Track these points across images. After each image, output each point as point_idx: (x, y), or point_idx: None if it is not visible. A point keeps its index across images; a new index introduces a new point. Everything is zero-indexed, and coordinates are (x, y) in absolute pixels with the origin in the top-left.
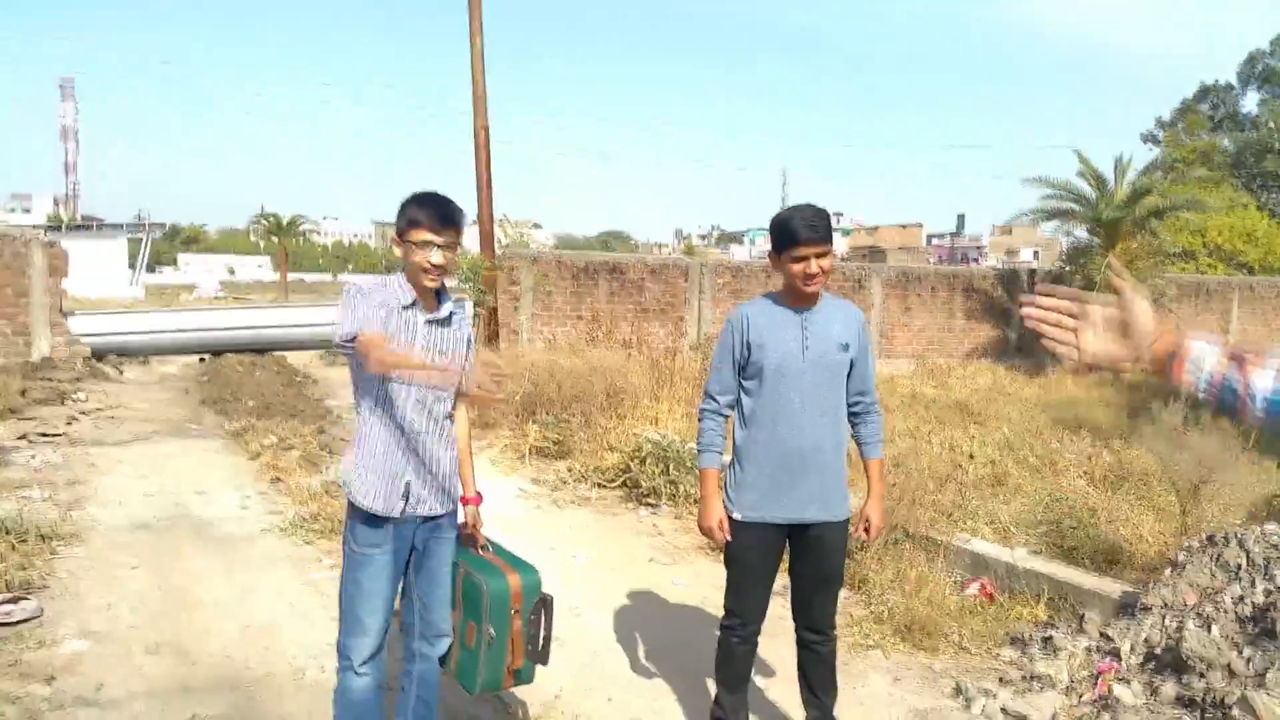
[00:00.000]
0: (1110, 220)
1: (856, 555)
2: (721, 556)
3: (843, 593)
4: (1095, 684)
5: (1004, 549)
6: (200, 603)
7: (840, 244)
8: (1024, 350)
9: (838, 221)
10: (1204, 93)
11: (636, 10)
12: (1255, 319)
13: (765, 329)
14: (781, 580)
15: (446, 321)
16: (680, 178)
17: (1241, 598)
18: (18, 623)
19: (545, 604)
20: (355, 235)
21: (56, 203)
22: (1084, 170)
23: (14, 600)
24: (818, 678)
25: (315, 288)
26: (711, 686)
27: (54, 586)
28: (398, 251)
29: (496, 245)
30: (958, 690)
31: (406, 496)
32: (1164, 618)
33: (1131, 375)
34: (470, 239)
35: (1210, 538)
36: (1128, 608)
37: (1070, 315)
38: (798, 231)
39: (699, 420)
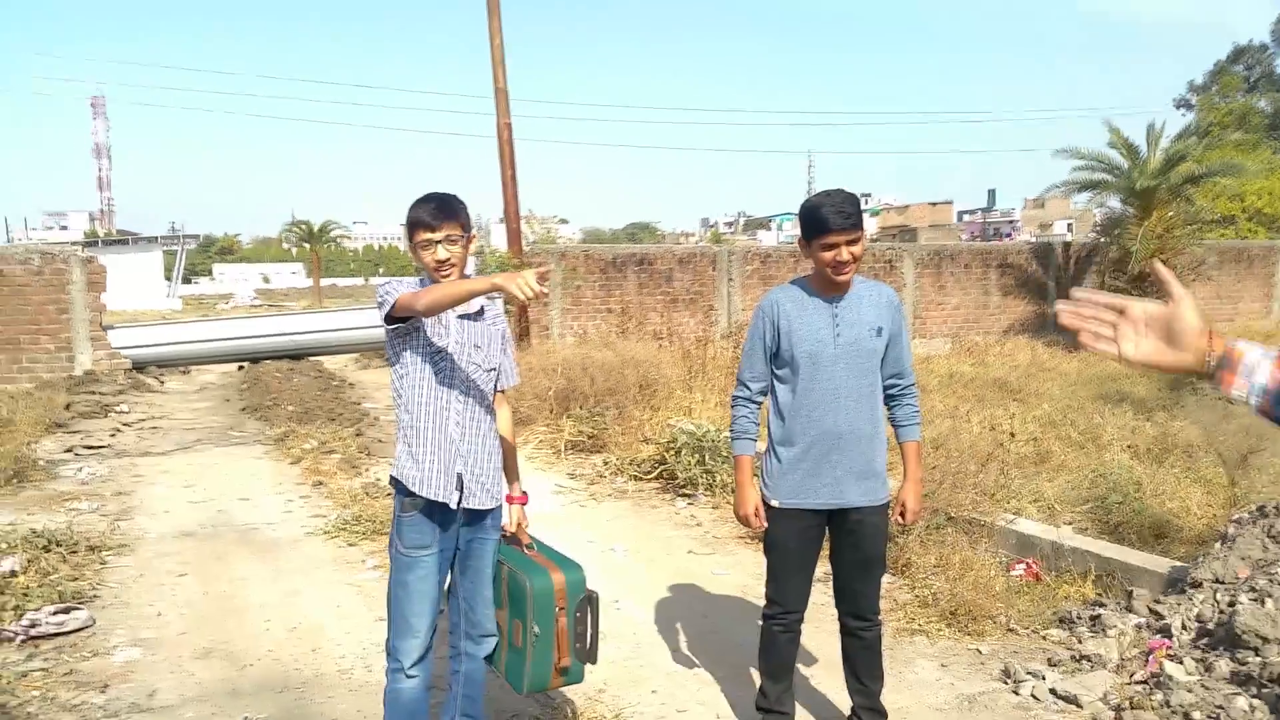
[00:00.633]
0: (1145, 189)
1: (899, 539)
2: (761, 545)
3: (886, 578)
4: (1146, 662)
5: (1049, 528)
6: (247, 607)
7: (870, 225)
8: (1062, 325)
9: (866, 202)
10: (1237, 54)
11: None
12: None
13: (795, 316)
14: (824, 567)
15: (479, 315)
16: (705, 166)
17: None
18: (71, 633)
19: (590, 601)
20: (385, 239)
21: (92, 219)
22: (1115, 139)
23: (66, 611)
24: (863, 664)
25: (348, 292)
26: (755, 676)
27: (104, 596)
28: (413, 259)
29: (524, 241)
30: (1006, 673)
31: (460, 487)
32: (1215, 593)
33: (1173, 374)
34: (498, 236)
35: (1261, 509)
36: (1177, 583)
37: (1109, 316)
38: (827, 219)
39: (732, 408)
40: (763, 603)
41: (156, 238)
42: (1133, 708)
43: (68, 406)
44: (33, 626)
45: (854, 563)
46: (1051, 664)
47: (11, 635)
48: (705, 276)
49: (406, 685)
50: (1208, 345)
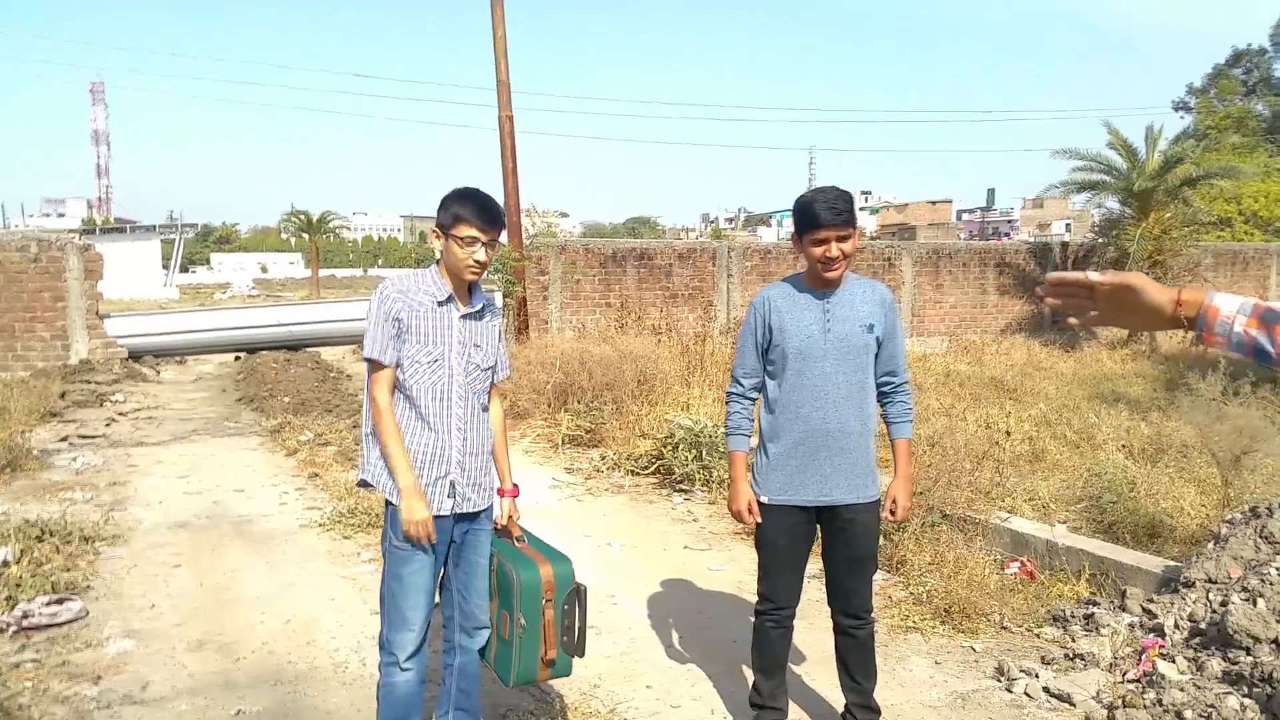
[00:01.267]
0: (1142, 190)
1: (894, 537)
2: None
3: (881, 575)
4: (1139, 661)
5: (1043, 526)
6: (241, 599)
7: (869, 222)
8: (1059, 324)
9: (865, 200)
10: (1236, 58)
11: None
12: None
13: (786, 312)
14: (817, 565)
15: (479, 315)
16: (707, 161)
17: None
18: (64, 624)
19: (579, 594)
20: (385, 230)
21: (90, 206)
22: (1114, 141)
23: (59, 601)
24: (856, 662)
25: (346, 283)
26: (750, 671)
27: (98, 587)
28: (437, 244)
29: (524, 235)
30: (999, 671)
31: (452, 495)
32: (1208, 592)
33: (1158, 329)
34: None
35: (1254, 509)
36: (1170, 583)
37: (1082, 290)
38: (819, 215)
39: (726, 404)
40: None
41: (154, 226)
42: (1125, 706)
43: (63, 395)
44: (25, 617)
45: (846, 561)
46: (1045, 662)
47: (4, 626)
48: (705, 272)
49: (401, 679)
50: (1174, 310)
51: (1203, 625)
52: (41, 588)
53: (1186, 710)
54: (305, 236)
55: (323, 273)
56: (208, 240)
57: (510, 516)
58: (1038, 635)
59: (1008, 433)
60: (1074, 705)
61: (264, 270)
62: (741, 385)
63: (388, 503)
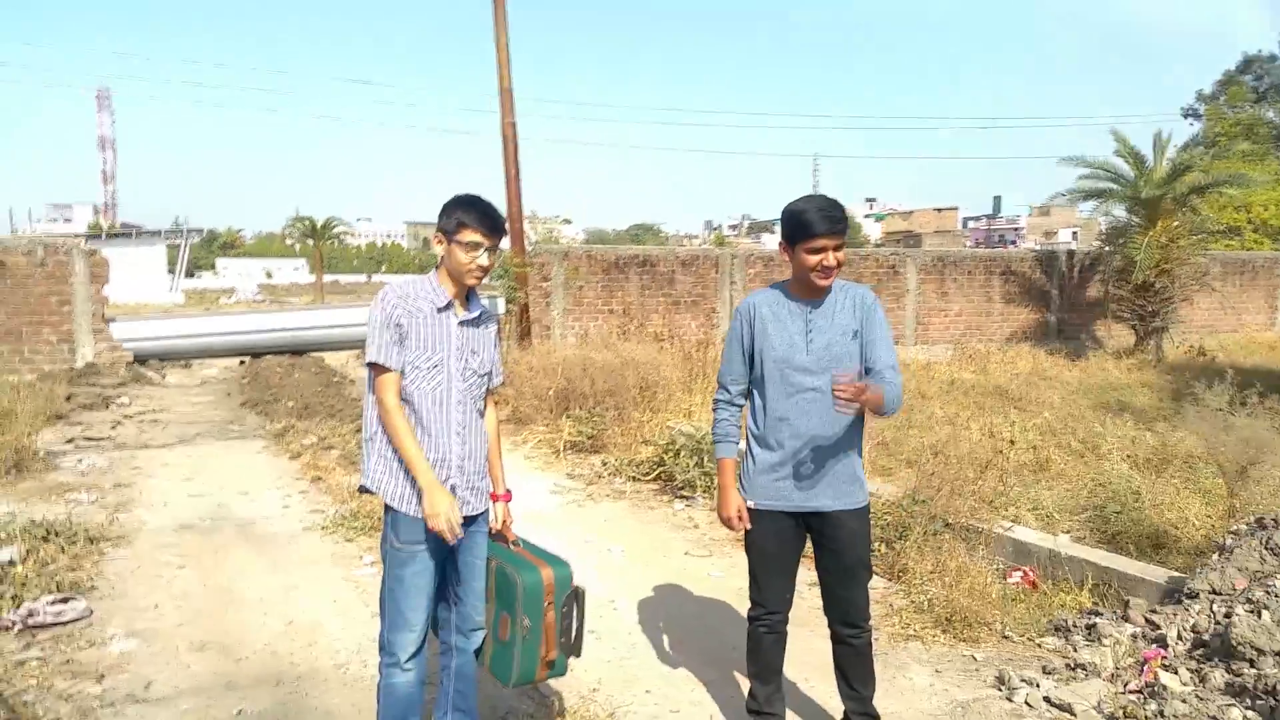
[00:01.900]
0: (1150, 198)
1: (895, 545)
2: None
3: (882, 583)
4: (1141, 672)
5: (1047, 536)
6: (244, 601)
7: (874, 230)
8: (1064, 333)
9: (870, 207)
10: (1246, 64)
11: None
12: None
13: (770, 320)
14: (814, 576)
15: (477, 322)
16: (710, 168)
17: None
18: (68, 623)
19: (577, 596)
20: (388, 236)
21: (96, 211)
22: (1121, 148)
23: (64, 601)
24: (854, 671)
25: (350, 289)
26: (748, 678)
27: (102, 587)
28: (439, 249)
29: (526, 241)
30: (1000, 680)
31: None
32: (1212, 604)
33: None
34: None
35: (1259, 521)
36: (1174, 594)
37: None
38: (814, 224)
39: (713, 411)
40: None
41: (160, 231)
42: (1126, 717)
43: (68, 398)
44: (30, 616)
45: (838, 569)
46: (1046, 672)
47: (9, 624)
48: (707, 279)
49: (402, 680)
50: None
51: (1206, 637)
52: (47, 587)
53: None
54: (310, 242)
55: (327, 278)
56: (213, 246)
57: (504, 521)
58: (1039, 645)
59: (1012, 442)
60: (1075, 715)
61: (269, 276)
62: (729, 392)
63: (388, 507)
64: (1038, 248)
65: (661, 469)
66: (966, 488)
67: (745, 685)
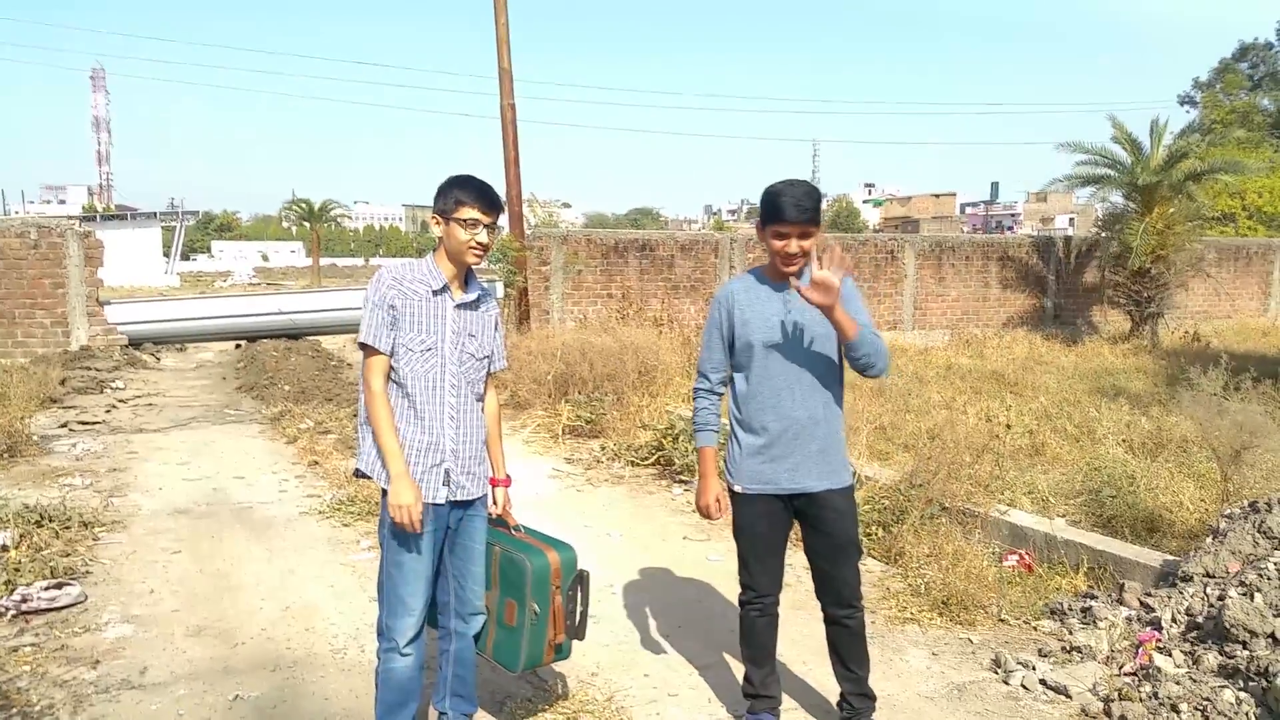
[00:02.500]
0: (1146, 185)
1: (892, 529)
2: None
3: (879, 567)
4: (1136, 654)
5: (1042, 519)
6: (241, 586)
7: (872, 215)
8: (1061, 319)
9: (869, 193)
10: (1243, 51)
11: None
12: None
13: (749, 306)
14: (804, 560)
15: (474, 305)
16: (710, 152)
17: None
18: (62, 608)
19: (582, 580)
20: (386, 219)
21: (91, 193)
22: (1118, 135)
23: (58, 586)
24: (849, 651)
25: (347, 272)
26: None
27: (97, 572)
28: (437, 231)
29: (525, 225)
30: (996, 663)
31: (447, 483)
32: (1205, 586)
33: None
34: (500, 218)
35: (1253, 504)
36: (1168, 577)
37: None
38: (784, 209)
39: (694, 399)
40: None
41: (155, 214)
42: (1121, 699)
43: (63, 382)
44: (24, 601)
45: (827, 550)
46: (1042, 654)
47: (2, 610)
48: (707, 263)
49: (400, 664)
50: None
51: (1200, 619)
52: (40, 572)
53: (1182, 704)
54: (306, 225)
55: (324, 261)
56: (209, 228)
57: (504, 507)
58: (1035, 628)
59: (1008, 426)
60: (1070, 698)
61: (265, 259)
62: (709, 380)
63: (384, 491)
64: (1035, 234)
65: (660, 453)
66: (963, 472)
67: (743, 668)
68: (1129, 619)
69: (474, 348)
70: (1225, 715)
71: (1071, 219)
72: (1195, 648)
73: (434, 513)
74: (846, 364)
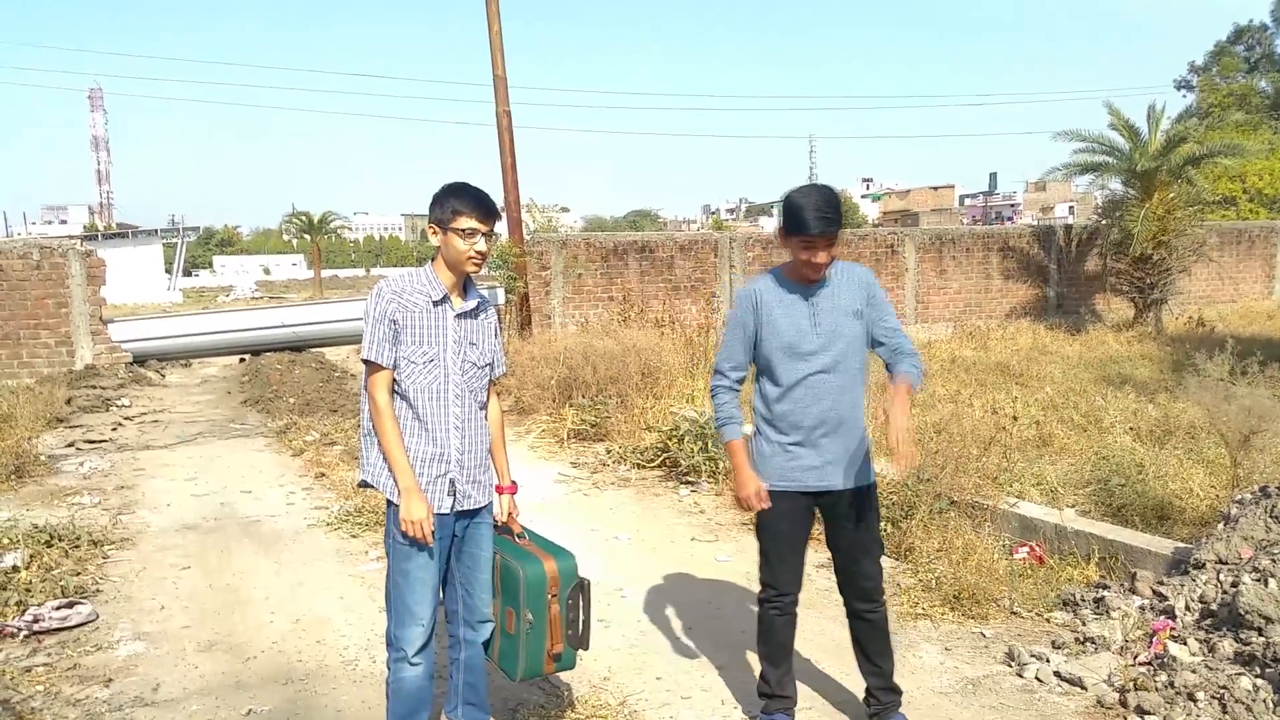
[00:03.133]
0: (1145, 171)
1: (902, 525)
2: None
3: (889, 562)
4: (1150, 643)
5: (1052, 510)
6: (251, 600)
7: (871, 209)
8: (1064, 308)
9: (867, 187)
10: (1238, 34)
11: None
12: None
13: (775, 307)
14: (826, 554)
15: (474, 313)
16: (707, 152)
17: None
18: (74, 627)
19: (583, 588)
20: (386, 229)
21: (91, 212)
22: (1116, 121)
23: (69, 605)
24: (873, 645)
25: (349, 283)
26: (758, 662)
27: (107, 590)
28: (434, 240)
29: (525, 230)
30: (1010, 656)
31: (452, 493)
32: (1219, 573)
33: None
34: (498, 225)
35: (1264, 490)
36: (1180, 565)
37: None
38: (808, 223)
39: (712, 397)
40: None
41: (156, 231)
42: (1137, 689)
43: (68, 401)
44: (36, 621)
45: (850, 546)
46: (1055, 646)
47: (14, 630)
48: (707, 263)
49: (410, 674)
50: None
51: (1214, 606)
52: (51, 592)
53: (1199, 692)
54: (307, 237)
55: (325, 273)
56: (210, 243)
57: (510, 514)
58: (1048, 620)
59: (1014, 417)
60: (1085, 689)
61: (266, 272)
62: (728, 378)
63: (389, 502)
64: (1035, 223)
65: (666, 455)
66: (970, 465)
67: (756, 669)
68: (1142, 608)
69: (475, 356)
70: (1242, 703)
71: (1071, 207)
72: (1210, 635)
73: (440, 522)
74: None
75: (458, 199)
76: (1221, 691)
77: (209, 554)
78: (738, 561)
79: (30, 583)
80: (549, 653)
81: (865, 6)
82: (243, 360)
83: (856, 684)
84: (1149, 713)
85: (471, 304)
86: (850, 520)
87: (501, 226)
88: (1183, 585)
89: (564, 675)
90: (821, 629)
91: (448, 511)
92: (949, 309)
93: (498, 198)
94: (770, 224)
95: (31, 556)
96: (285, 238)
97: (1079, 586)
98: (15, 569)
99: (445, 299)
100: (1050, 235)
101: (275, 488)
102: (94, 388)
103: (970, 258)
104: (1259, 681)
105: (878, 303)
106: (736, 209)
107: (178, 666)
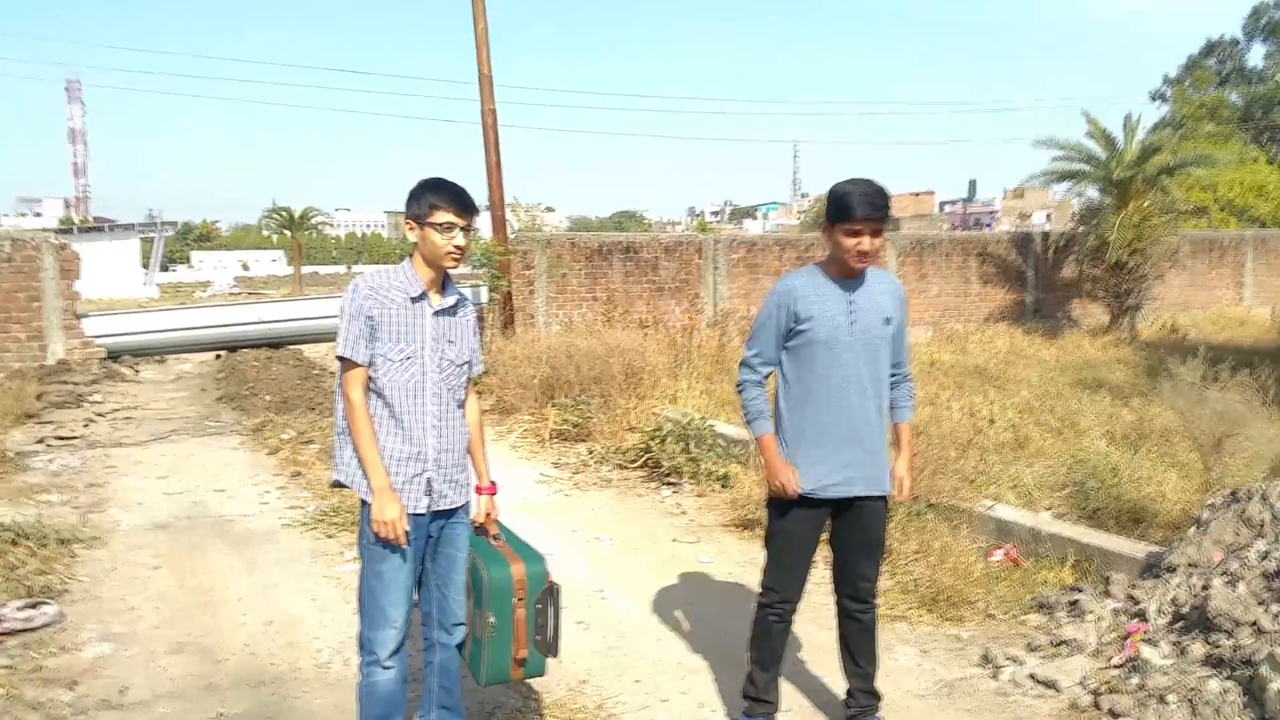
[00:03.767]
0: (1121, 180)
1: None
2: (746, 533)
3: None
4: (1123, 646)
5: (1028, 513)
6: (222, 601)
7: None
8: (1041, 313)
9: None
10: (1210, 48)
11: None
12: (1269, 272)
13: (814, 302)
14: (820, 552)
15: (453, 311)
16: (692, 155)
17: (1267, 554)
18: (38, 628)
19: (552, 593)
20: (368, 226)
21: (67, 205)
22: (1093, 130)
23: (34, 606)
24: (860, 647)
25: (329, 280)
26: (739, 665)
27: (75, 590)
28: (412, 236)
29: (509, 229)
30: (985, 658)
31: (429, 493)
32: (1190, 576)
33: None
34: (482, 224)
35: (1234, 494)
36: (1153, 568)
37: None
38: (854, 207)
39: (740, 392)
40: (748, 590)
41: (133, 225)
42: (1110, 691)
43: (39, 397)
44: None
45: (859, 545)
46: (1030, 649)
47: None
48: (691, 265)
49: (383, 678)
50: None
51: (1185, 610)
52: (15, 592)
53: (1169, 694)
54: (287, 233)
55: (305, 270)
56: (188, 238)
57: (488, 514)
58: (1023, 622)
59: (991, 420)
60: (1059, 691)
61: (245, 268)
62: (758, 372)
63: (364, 501)
64: (1013, 230)
65: (648, 456)
66: (948, 467)
67: (737, 671)
68: (1116, 611)
69: (454, 354)
70: (1211, 705)
71: (1048, 215)
72: (1181, 638)
73: (415, 522)
74: None
75: (435, 194)
76: (1191, 693)
77: (181, 554)
78: (719, 563)
79: None
80: (514, 658)
81: (850, 13)
82: (219, 357)
83: (837, 686)
84: (1121, 715)
85: (450, 301)
86: (860, 523)
87: (485, 225)
88: (1155, 588)
89: (542, 678)
90: (803, 631)
91: (424, 511)
92: (929, 312)
93: (482, 196)
94: (754, 227)
95: None
96: (265, 233)
97: (1054, 589)
98: None
99: (423, 295)
100: (1028, 242)
101: (249, 486)
102: (66, 383)
103: (950, 263)
104: (1227, 684)
105: (903, 324)
106: (721, 211)
107: (147, 668)
